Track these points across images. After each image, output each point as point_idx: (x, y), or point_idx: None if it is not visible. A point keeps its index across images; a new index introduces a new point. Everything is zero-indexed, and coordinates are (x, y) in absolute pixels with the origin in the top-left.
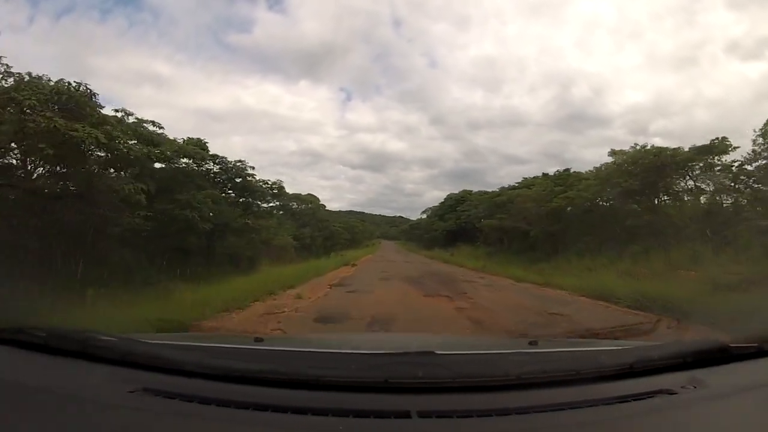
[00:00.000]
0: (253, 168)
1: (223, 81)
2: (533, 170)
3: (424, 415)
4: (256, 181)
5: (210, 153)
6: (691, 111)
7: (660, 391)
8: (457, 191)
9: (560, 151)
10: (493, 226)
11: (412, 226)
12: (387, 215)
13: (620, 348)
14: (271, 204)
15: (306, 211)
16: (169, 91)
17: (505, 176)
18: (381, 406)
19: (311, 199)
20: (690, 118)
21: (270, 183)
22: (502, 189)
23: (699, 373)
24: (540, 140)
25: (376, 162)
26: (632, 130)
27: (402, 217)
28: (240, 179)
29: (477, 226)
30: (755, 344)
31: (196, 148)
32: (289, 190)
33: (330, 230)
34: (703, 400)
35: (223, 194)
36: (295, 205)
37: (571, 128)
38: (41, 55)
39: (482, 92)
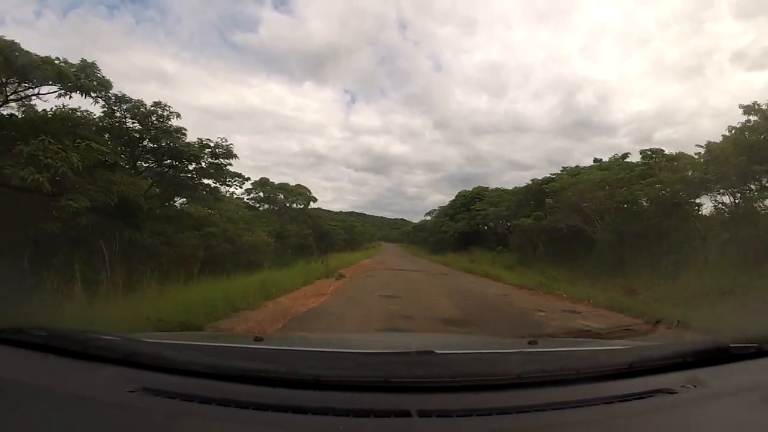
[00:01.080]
0: (179, 116)
1: (228, 80)
2: (536, 176)
3: (424, 414)
4: (198, 142)
5: (112, 92)
6: (696, 120)
7: (660, 391)
8: (448, 204)
9: (564, 158)
10: (525, 226)
11: (416, 228)
12: (388, 218)
13: (620, 347)
14: (227, 183)
15: (292, 210)
16: (174, 89)
17: (508, 181)
18: (381, 405)
19: (301, 191)
20: (694, 128)
21: (212, 144)
22: (535, 180)
23: (699, 373)
24: (544, 146)
25: (379, 164)
26: (636, 139)
27: (404, 219)
28: (162, 135)
29: (490, 226)
30: (755, 344)
31: (77, 72)
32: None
33: (324, 229)
34: (703, 399)
35: (147, 162)
36: (282, 197)
37: (575, 135)
38: (47, 50)
39: (487, 97)
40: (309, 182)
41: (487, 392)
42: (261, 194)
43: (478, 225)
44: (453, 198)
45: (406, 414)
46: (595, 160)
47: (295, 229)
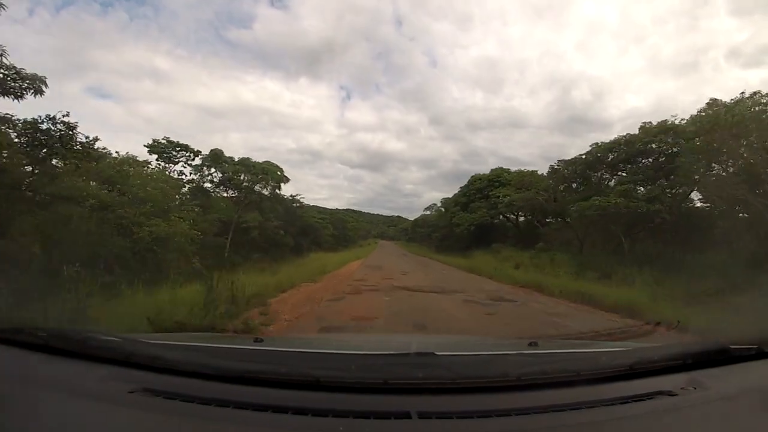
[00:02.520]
0: None
1: (224, 77)
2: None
3: (424, 415)
4: None
5: None
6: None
7: (660, 393)
8: (460, 191)
9: (559, 155)
10: (605, 208)
11: (416, 224)
12: (385, 215)
13: (620, 349)
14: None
15: (254, 194)
16: (169, 86)
17: None
18: (381, 406)
19: (268, 168)
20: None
21: None
22: (599, 145)
23: (699, 375)
24: (539, 143)
25: (375, 161)
26: None
27: (400, 216)
28: None
29: (510, 218)
30: (755, 346)
31: None
32: (291, 189)
33: (307, 222)
34: (702, 401)
35: None
36: (244, 178)
37: (570, 131)
38: (41, 47)
39: (482, 93)
40: (305, 180)
41: (486, 394)
42: (215, 173)
43: (494, 217)
44: (465, 184)
45: (406, 415)
46: (710, 103)
47: (256, 220)
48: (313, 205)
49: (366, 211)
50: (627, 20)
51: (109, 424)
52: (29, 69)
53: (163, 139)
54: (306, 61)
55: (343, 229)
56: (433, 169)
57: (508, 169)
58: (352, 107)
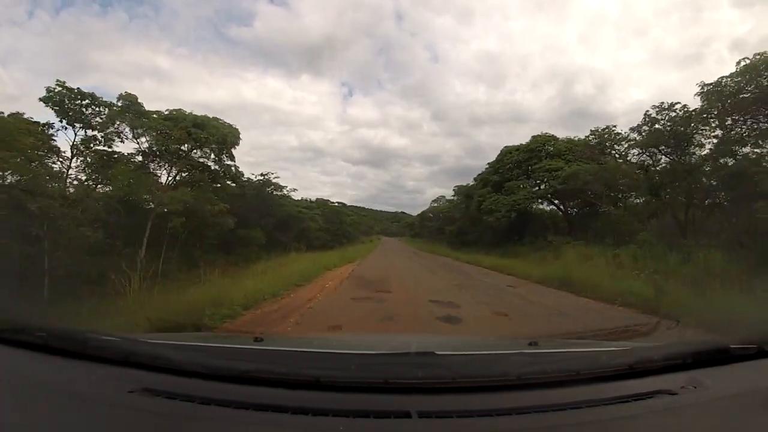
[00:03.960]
0: None
1: (225, 75)
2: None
3: (424, 415)
4: None
5: None
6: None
7: (660, 392)
8: (489, 167)
9: None
10: None
11: (424, 217)
12: (388, 211)
13: (620, 348)
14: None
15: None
16: (170, 85)
17: None
18: (381, 406)
19: (206, 122)
20: None
21: None
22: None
23: (699, 374)
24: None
25: (378, 158)
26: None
27: (404, 213)
28: None
29: (552, 198)
30: (755, 345)
31: None
32: (290, 184)
33: (287, 213)
34: (702, 400)
35: None
36: (184, 148)
37: (573, 125)
38: (41, 49)
39: (485, 88)
40: (307, 177)
41: (486, 393)
42: (132, 134)
43: (539, 198)
44: (495, 159)
45: (406, 415)
46: None
47: (179, 200)
48: (301, 198)
49: (369, 208)
50: (629, 12)
51: (108, 424)
52: (30, 71)
53: (58, 84)
54: (307, 57)
55: (339, 224)
56: (436, 165)
57: (554, 135)
58: (353, 103)
